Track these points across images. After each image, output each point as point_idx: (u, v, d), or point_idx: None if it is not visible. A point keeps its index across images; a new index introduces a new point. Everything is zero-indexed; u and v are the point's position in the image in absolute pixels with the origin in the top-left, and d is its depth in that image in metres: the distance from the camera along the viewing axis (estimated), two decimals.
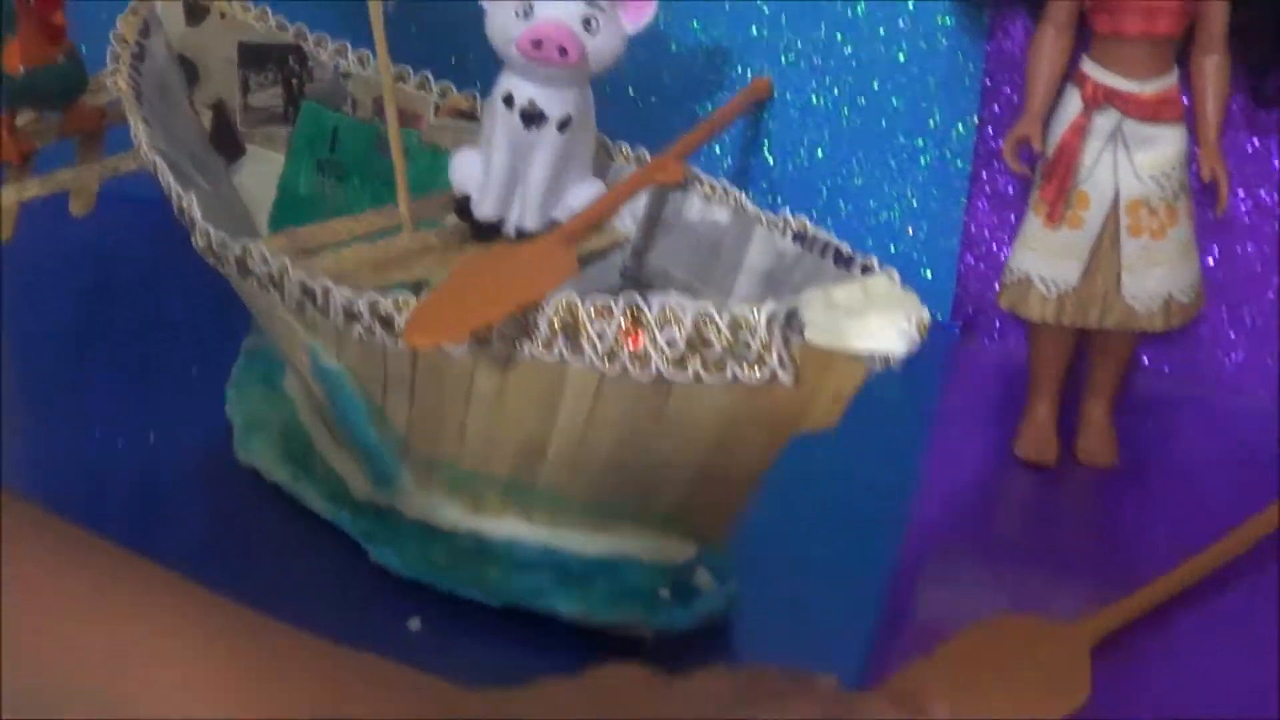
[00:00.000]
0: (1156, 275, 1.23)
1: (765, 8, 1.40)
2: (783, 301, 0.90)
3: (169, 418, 1.25)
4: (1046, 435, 1.29)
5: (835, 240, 1.05)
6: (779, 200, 1.42)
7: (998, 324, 1.44)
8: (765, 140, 1.41)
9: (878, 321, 0.87)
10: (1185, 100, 1.24)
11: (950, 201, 1.41)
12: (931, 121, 1.39)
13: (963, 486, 1.26)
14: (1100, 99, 1.19)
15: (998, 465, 1.29)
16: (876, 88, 1.39)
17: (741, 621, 1.10)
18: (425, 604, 1.09)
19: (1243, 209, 1.37)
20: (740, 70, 1.42)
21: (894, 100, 1.39)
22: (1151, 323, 1.25)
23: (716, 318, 0.91)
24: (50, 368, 1.34)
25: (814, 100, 1.41)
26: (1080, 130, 1.19)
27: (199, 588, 0.69)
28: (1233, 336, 1.40)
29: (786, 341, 0.89)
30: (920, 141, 1.40)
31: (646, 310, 0.93)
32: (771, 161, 1.43)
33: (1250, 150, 1.35)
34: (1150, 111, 1.19)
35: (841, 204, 1.42)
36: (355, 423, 1.10)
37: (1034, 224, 1.23)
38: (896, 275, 0.94)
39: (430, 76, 1.31)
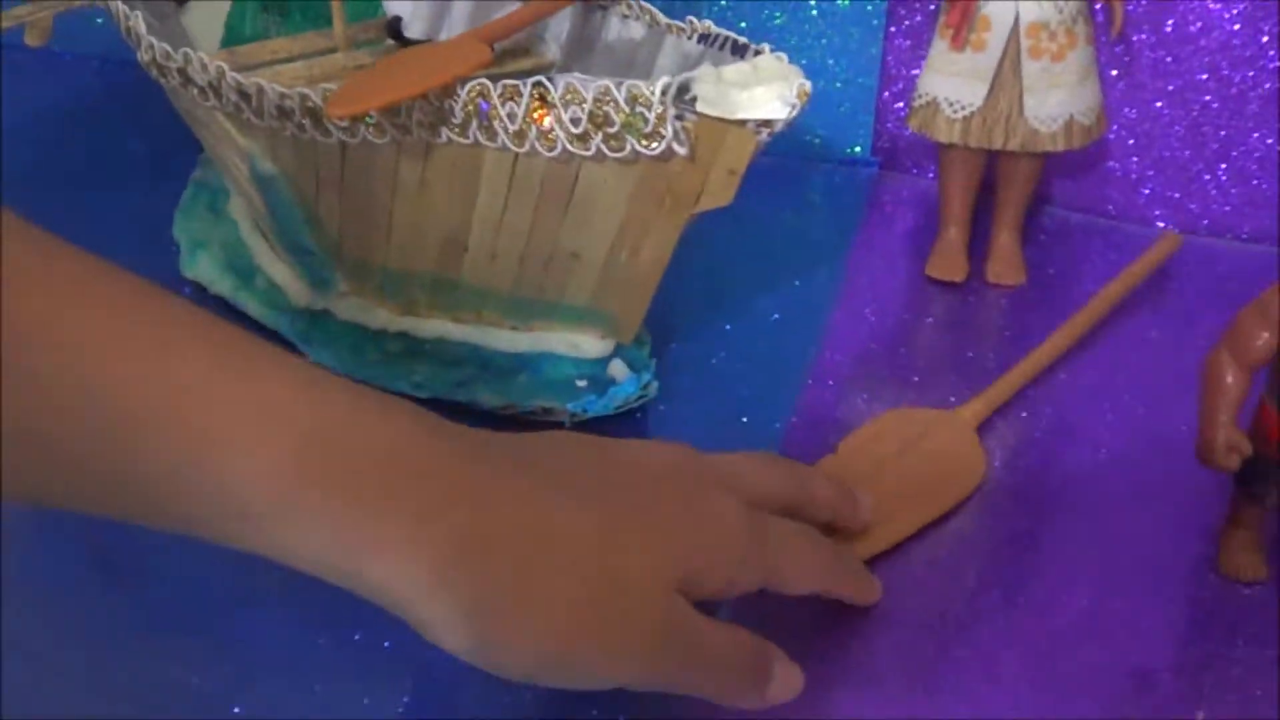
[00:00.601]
0: (1057, 97, 1.28)
1: None
2: (676, 77, 0.95)
3: (121, 241, 1.29)
4: (956, 255, 1.35)
5: (734, 35, 1.10)
6: None
7: (916, 160, 1.50)
8: None
9: (762, 92, 0.94)
10: None
11: (867, 39, 1.46)
12: None
13: (877, 302, 1.32)
14: None
15: (910, 284, 1.35)
16: None
17: (657, 411, 1.17)
18: None
19: (1147, 43, 1.42)
20: None
21: None
22: (1054, 143, 1.30)
23: (615, 93, 0.97)
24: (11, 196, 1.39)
25: None
26: None
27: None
28: (1140, 171, 1.44)
29: (680, 115, 0.95)
30: None
31: (552, 89, 0.99)
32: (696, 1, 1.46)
33: None
34: None
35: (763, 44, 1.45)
36: (291, 227, 1.17)
37: (940, 47, 1.28)
38: (784, 56, 0.99)
39: None
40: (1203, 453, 0.97)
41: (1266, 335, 0.94)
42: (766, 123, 0.96)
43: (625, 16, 1.22)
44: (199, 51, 1.11)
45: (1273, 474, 0.99)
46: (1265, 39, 1.40)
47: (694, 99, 0.95)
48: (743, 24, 1.49)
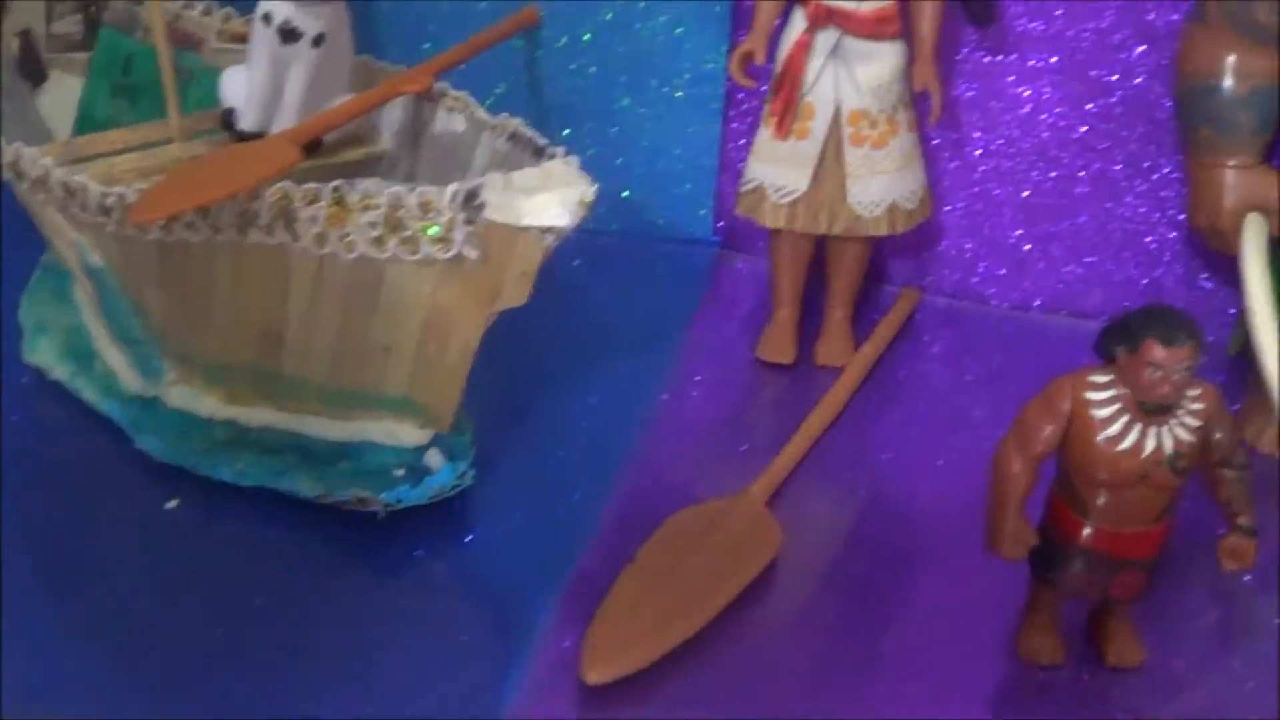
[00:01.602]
0: (880, 183, 1.32)
1: None
2: (465, 183, 0.98)
3: None
4: (785, 337, 1.38)
5: (537, 137, 1.13)
6: (551, 121, 1.49)
7: (756, 239, 1.51)
8: (537, 66, 1.48)
9: (546, 199, 0.97)
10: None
11: (707, 123, 1.49)
12: (688, 49, 1.45)
13: (706, 384, 1.35)
14: (822, 18, 1.28)
15: (741, 366, 1.38)
16: (638, 16, 1.45)
17: (477, 497, 1.20)
18: (183, 486, 1.19)
19: (979, 125, 1.47)
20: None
21: (653, 28, 1.45)
22: (877, 227, 1.33)
23: (408, 199, 1.00)
24: None
25: (581, 30, 1.47)
26: (804, 47, 1.29)
27: None
28: (974, 249, 1.47)
29: (470, 220, 0.98)
30: (678, 67, 1.46)
31: (349, 194, 1.02)
32: (543, 85, 1.49)
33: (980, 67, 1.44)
34: (869, 29, 1.28)
35: (607, 126, 1.48)
36: (120, 317, 1.20)
37: (764, 135, 1.32)
38: (575, 160, 1.02)
39: (215, 1, 1.38)
40: (990, 544, 0.99)
41: (1051, 428, 0.97)
42: (551, 229, 0.98)
43: (451, 109, 1.24)
44: (47, 138, 1.17)
45: (1065, 561, 1.00)
46: (1085, 128, 1.44)
47: (482, 205, 0.97)
48: (591, 107, 1.52)
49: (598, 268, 1.48)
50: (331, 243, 1.03)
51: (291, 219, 1.03)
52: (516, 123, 1.17)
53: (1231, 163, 1.24)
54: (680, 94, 1.48)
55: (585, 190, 0.98)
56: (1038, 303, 1.50)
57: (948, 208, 1.48)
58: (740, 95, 1.44)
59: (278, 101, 1.25)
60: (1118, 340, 0.98)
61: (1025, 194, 1.47)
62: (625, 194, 1.53)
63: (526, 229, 0.98)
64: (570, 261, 1.46)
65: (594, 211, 1.41)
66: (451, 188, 0.98)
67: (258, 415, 1.20)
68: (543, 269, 1.03)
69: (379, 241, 1.01)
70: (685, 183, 1.51)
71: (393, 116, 1.30)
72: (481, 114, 1.20)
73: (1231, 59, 1.22)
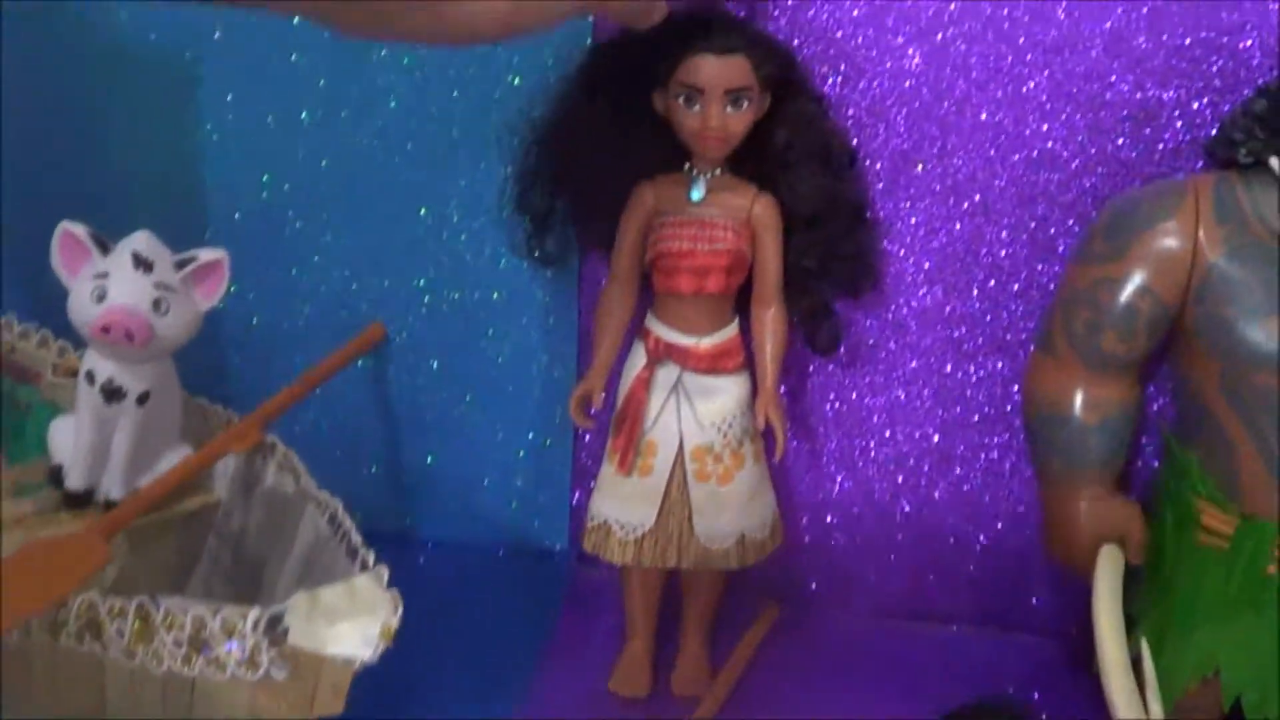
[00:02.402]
0: (727, 516, 1.29)
1: (381, 250, 1.46)
2: (269, 609, 0.96)
3: None
4: (639, 670, 1.35)
5: (352, 532, 1.10)
6: (400, 438, 1.46)
7: None
8: (385, 384, 1.46)
9: (348, 629, 0.94)
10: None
11: (559, 437, 1.46)
12: (535, 365, 1.44)
13: (560, 715, 1.29)
14: (661, 353, 1.25)
15: (595, 698, 1.34)
16: (485, 331, 1.43)
17: None
18: None
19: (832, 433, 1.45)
20: (354, 315, 1.48)
21: (500, 342, 1.43)
22: (727, 561, 1.31)
23: (211, 622, 0.97)
24: None
25: (427, 343, 1.44)
26: (645, 383, 1.26)
27: None
28: (843, 557, 1.46)
29: (274, 643, 0.95)
30: (526, 380, 1.45)
31: (155, 612, 0.98)
32: (390, 403, 1.46)
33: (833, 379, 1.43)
34: (708, 364, 1.26)
35: (458, 441, 1.46)
36: None
37: (608, 471, 1.29)
38: (384, 573, 0.99)
39: (50, 334, 1.36)
40: None
41: None
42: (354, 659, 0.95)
43: (280, 467, 1.21)
44: None
45: None
46: (937, 437, 1.44)
47: (286, 630, 0.94)
48: (441, 422, 1.51)
49: (448, 581, 1.44)
50: (140, 656, 0.98)
51: (99, 630, 0.99)
52: (337, 505, 1.14)
53: (1084, 495, 1.20)
54: (530, 407, 1.44)
55: (389, 618, 0.94)
56: (897, 608, 1.46)
57: (805, 518, 1.47)
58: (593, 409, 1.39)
59: (104, 460, 1.21)
60: None
61: (887, 498, 1.44)
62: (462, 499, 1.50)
63: (331, 656, 0.94)
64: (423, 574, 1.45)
65: (445, 523, 1.42)
66: (253, 614, 0.96)
67: None
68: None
69: (186, 660, 0.97)
70: (538, 494, 1.47)
71: (226, 464, 1.25)
72: (307, 481, 1.18)
73: (1080, 391, 1.21)
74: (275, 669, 0.97)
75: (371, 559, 1.05)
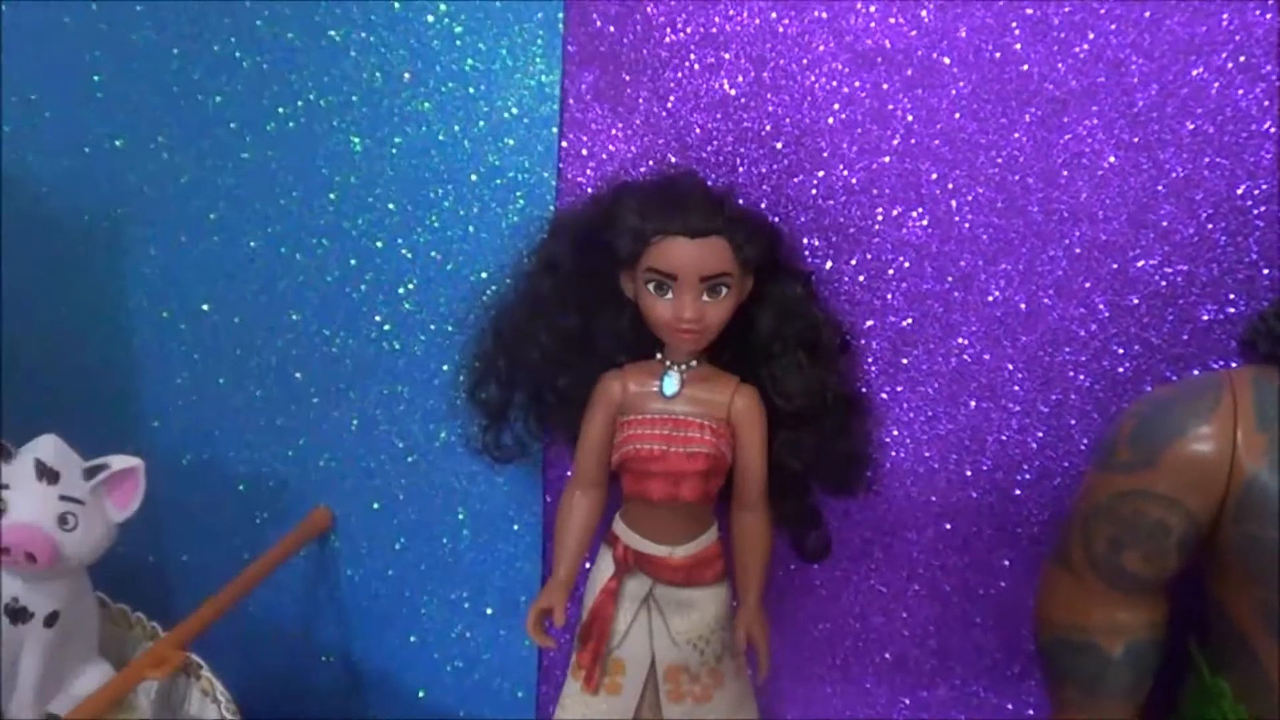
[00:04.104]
0: None
1: (327, 430, 1.35)
2: None
3: None
4: None
5: None
6: (352, 628, 1.34)
7: None
8: (336, 571, 1.33)
9: None
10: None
11: (522, 635, 1.36)
12: (498, 556, 1.32)
13: None
14: (630, 562, 1.12)
15: None
16: (443, 517, 1.30)
17: None
18: None
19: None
20: (297, 498, 1.36)
21: (457, 529, 1.31)
22: None
23: None
24: None
25: (379, 529, 1.32)
26: (612, 594, 1.13)
27: None
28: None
29: None
30: (487, 572, 1.34)
31: None
32: (341, 590, 1.34)
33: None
34: (683, 576, 1.13)
35: (416, 637, 1.34)
36: None
37: (573, 688, 1.17)
38: None
39: None
40: None
41: None
42: None
43: (205, 692, 1.09)
44: None
45: None
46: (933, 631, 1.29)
47: None
48: (398, 612, 1.38)
49: None
50: None
51: None
52: None
53: None
54: (490, 604, 1.31)
55: None
56: None
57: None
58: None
59: (12, 683, 1.09)
60: None
61: (882, 708, 1.33)
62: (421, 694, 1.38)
63: None
64: None
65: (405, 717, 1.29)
66: None
67: None
68: None
69: None
70: (503, 695, 1.36)
71: (150, 683, 1.12)
72: (231, 713, 1.03)
73: (1101, 613, 1.07)
74: None
75: None
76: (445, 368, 1.27)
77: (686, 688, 1.14)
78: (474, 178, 1.20)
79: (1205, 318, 1.17)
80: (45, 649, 1.09)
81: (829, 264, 1.20)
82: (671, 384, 1.12)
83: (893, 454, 1.23)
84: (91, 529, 1.06)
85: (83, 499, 1.06)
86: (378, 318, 1.28)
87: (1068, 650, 1.08)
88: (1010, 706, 1.28)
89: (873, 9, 1.12)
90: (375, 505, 1.32)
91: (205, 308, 1.30)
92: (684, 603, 1.14)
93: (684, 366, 1.12)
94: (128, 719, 1.14)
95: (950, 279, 1.18)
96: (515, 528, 1.31)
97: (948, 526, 1.24)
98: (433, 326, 1.27)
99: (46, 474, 1.05)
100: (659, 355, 1.13)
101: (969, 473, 1.23)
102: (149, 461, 1.09)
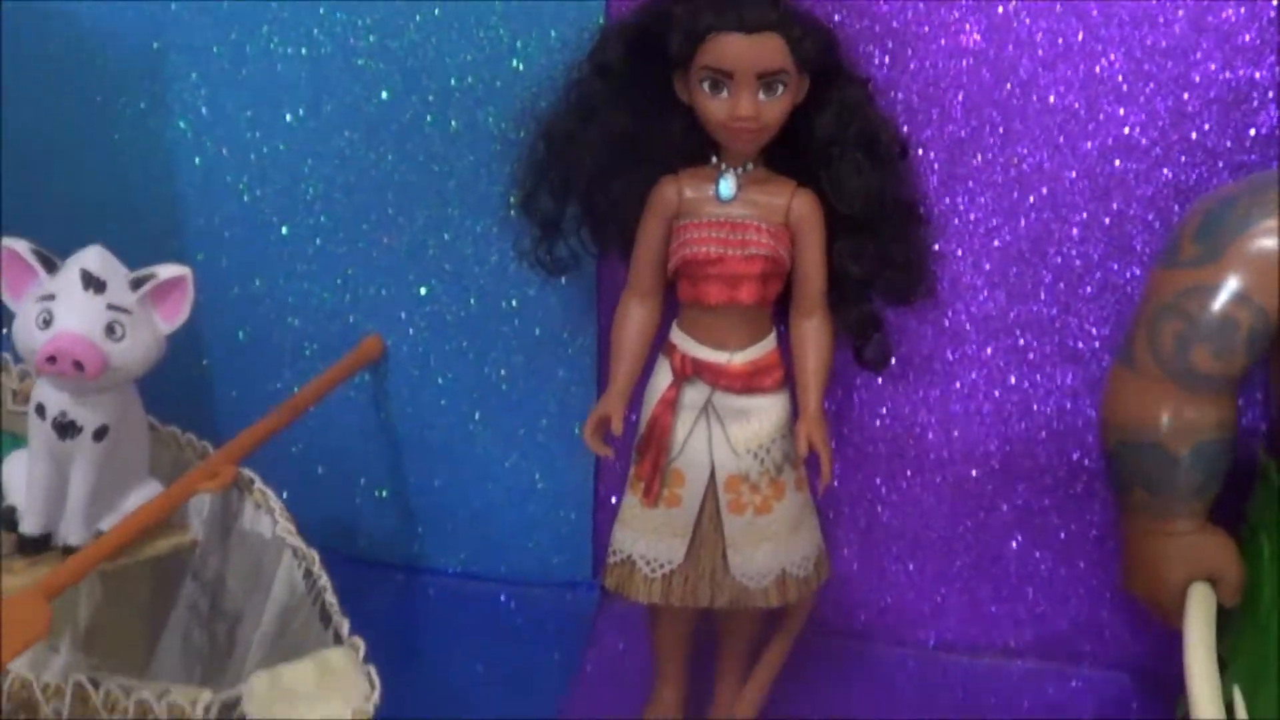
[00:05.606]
0: (765, 551, 1.15)
1: (376, 257, 1.32)
2: (221, 691, 0.83)
3: None
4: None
5: (327, 592, 0.97)
6: (404, 462, 1.32)
7: None
8: (386, 403, 1.32)
9: (317, 717, 0.80)
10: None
11: (578, 462, 1.34)
12: (551, 381, 1.31)
13: None
14: (689, 370, 1.11)
15: None
16: (495, 344, 1.29)
17: None
18: None
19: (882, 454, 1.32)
20: (349, 329, 1.35)
21: (512, 356, 1.29)
22: (766, 599, 1.17)
23: (155, 707, 0.83)
24: None
25: (430, 358, 1.30)
26: (670, 404, 1.11)
27: None
28: (885, 586, 1.33)
29: None
30: (541, 399, 1.33)
31: (94, 693, 0.85)
32: (393, 424, 1.33)
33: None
34: (742, 382, 1.11)
35: (467, 466, 1.32)
36: None
37: (631, 501, 1.15)
38: (360, 648, 0.85)
39: (10, 359, 1.22)
40: None
41: None
42: None
43: (258, 505, 1.09)
44: None
45: None
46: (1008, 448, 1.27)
47: (242, 718, 0.80)
48: (451, 450, 1.37)
49: (459, 617, 1.33)
50: None
51: (34, 711, 0.84)
52: (314, 557, 1.01)
53: (1173, 529, 1.05)
54: (546, 427, 1.29)
55: (363, 703, 0.81)
56: (957, 642, 1.34)
57: (853, 548, 1.34)
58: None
59: (62, 500, 1.08)
60: None
61: (943, 528, 1.31)
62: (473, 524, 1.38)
63: None
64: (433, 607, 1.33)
65: (456, 553, 1.27)
66: (204, 700, 0.82)
67: None
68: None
69: None
70: (558, 523, 1.34)
71: (202, 501, 1.13)
72: (285, 524, 1.05)
73: (1168, 413, 1.04)
74: None
75: (346, 629, 0.90)
76: (495, 189, 1.22)
77: (747, 498, 1.12)
78: None
79: (1268, 124, 1.13)
80: (94, 464, 1.07)
81: (886, 70, 1.18)
82: (728, 187, 1.10)
83: (951, 267, 1.21)
84: (139, 339, 1.05)
85: (130, 309, 1.04)
86: (425, 140, 1.24)
87: (1135, 453, 1.06)
88: (1073, 527, 1.26)
89: None
90: (427, 333, 1.30)
91: (250, 135, 1.26)
92: (743, 411, 1.12)
93: (740, 170, 1.10)
94: (180, 541, 1.12)
95: (1009, 85, 1.15)
96: (569, 352, 1.29)
97: (1007, 341, 1.22)
98: (481, 147, 1.23)
99: (93, 283, 1.04)
100: (715, 160, 1.10)
101: (1029, 285, 1.20)
102: (197, 296, 1.07)
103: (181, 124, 1.30)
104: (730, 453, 1.12)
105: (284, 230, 1.31)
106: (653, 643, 1.21)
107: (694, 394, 1.12)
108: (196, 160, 1.31)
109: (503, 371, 1.31)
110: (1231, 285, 1.01)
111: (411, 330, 1.32)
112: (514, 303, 1.29)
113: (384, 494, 1.36)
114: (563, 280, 1.25)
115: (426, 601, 1.35)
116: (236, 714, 0.83)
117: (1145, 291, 1.06)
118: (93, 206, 1.29)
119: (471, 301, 1.30)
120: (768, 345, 1.12)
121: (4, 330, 1.07)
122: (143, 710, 0.85)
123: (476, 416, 1.33)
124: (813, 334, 1.13)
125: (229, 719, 0.83)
